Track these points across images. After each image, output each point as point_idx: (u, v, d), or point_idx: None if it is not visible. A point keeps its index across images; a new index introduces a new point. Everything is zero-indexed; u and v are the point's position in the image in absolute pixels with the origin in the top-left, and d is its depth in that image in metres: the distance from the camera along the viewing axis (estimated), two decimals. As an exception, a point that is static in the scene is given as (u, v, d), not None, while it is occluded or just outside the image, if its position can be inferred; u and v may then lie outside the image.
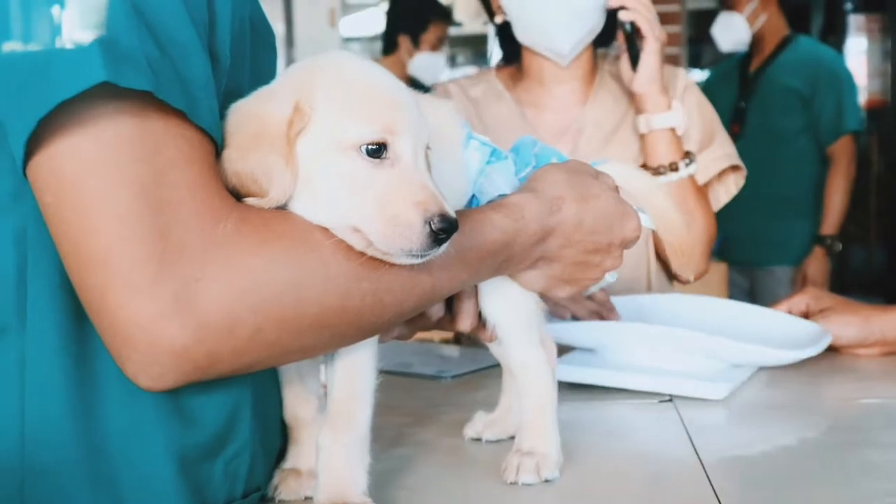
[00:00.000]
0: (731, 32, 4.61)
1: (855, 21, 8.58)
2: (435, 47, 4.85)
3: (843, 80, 4.54)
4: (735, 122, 4.51)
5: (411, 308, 1.08)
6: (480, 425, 1.40)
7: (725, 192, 2.22)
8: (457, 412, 1.51)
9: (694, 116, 2.16)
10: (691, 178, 2.06)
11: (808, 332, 1.71)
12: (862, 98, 8.34)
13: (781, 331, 1.71)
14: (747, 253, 4.64)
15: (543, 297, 1.29)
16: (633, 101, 2.10)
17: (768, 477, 1.24)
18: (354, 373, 1.12)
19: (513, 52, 2.23)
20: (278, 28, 7.11)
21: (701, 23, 5.49)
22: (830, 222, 4.44)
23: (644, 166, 2.06)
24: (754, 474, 1.26)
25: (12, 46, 0.86)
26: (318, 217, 0.99)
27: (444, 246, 0.99)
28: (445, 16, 5.12)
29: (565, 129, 2.18)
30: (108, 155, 0.88)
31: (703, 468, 1.26)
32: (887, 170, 8.10)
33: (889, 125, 8.11)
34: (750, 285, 4.67)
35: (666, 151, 2.05)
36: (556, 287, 1.26)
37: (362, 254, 0.99)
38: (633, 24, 2.04)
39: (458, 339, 2.00)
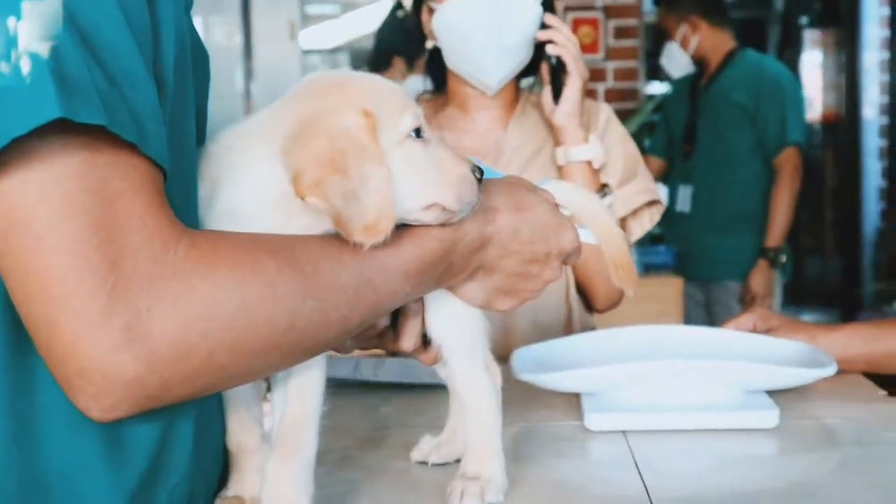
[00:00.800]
0: (673, 60, 4.79)
1: (811, 35, 8.80)
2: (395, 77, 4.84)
3: (786, 92, 4.58)
4: (686, 141, 4.57)
5: (357, 323, 1.09)
6: (427, 448, 1.40)
7: (640, 228, 2.24)
8: (403, 434, 1.51)
9: (616, 150, 2.20)
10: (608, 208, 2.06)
11: (801, 352, 1.71)
12: (817, 112, 8.63)
13: (780, 354, 1.71)
14: (702, 268, 4.69)
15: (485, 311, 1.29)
16: (553, 132, 2.14)
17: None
18: (304, 398, 1.13)
19: (440, 75, 2.27)
20: (237, 40, 7.10)
21: (658, 36, 5.53)
22: (774, 235, 4.48)
23: None
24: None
25: None
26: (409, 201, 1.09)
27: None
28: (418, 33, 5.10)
29: (485, 153, 2.20)
30: (57, 188, 0.87)
31: (649, 497, 1.26)
32: (841, 183, 8.27)
33: (843, 139, 8.24)
34: (705, 299, 4.70)
35: (582, 183, 2.08)
36: (497, 299, 1.26)
37: (304, 273, 1.02)
38: (558, 58, 2.09)
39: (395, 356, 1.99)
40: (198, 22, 7.57)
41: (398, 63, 4.87)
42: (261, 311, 0.97)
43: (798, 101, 4.63)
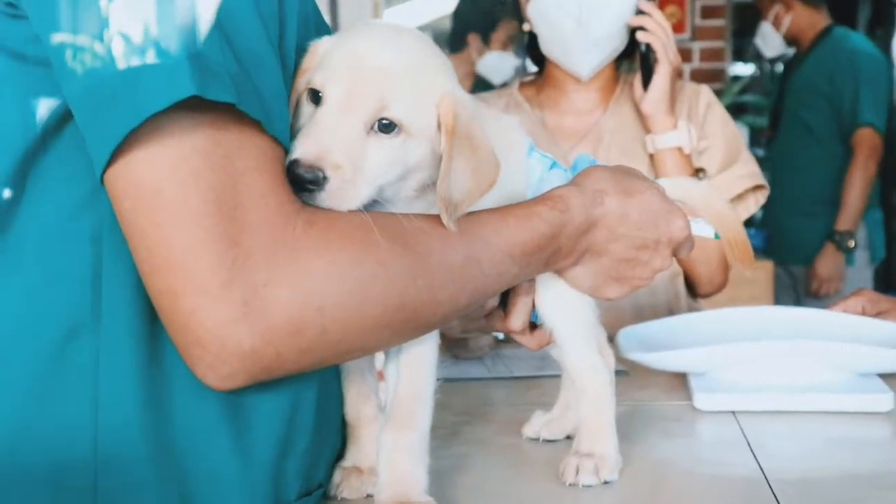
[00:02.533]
0: (767, 40, 4.70)
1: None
2: (505, 46, 4.85)
3: (861, 70, 4.47)
4: (771, 126, 4.53)
5: (465, 303, 1.10)
6: (538, 424, 1.41)
7: (745, 211, 2.25)
8: (510, 411, 1.53)
9: (717, 134, 2.21)
10: None
11: None
12: None
13: (892, 337, 1.68)
14: (785, 251, 4.66)
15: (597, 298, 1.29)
16: (642, 119, 2.16)
17: (832, 490, 1.23)
18: (417, 372, 1.15)
19: (540, 57, 2.29)
20: (324, 19, 7.11)
21: (745, 16, 5.47)
22: (844, 218, 4.40)
23: None
24: (818, 488, 1.24)
25: (101, 53, 0.88)
26: None
27: (318, 197, 1.00)
28: (516, 15, 5.07)
29: (584, 133, 2.23)
30: (185, 164, 0.90)
31: (765, 478, 1.26)
32: None
33: None
34: (792, 282, 4.65)
35: (672, 170, 2.11)
36: (606, 286, 1.26)
37: (415, 252, 1.04)
38: (648, 45, 2.09)
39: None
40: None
41: (474, 40, 4.92)
42: (373, 289, 0.99)
43: (875, 80, 4.49)
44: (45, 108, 0.93)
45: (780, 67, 5.88)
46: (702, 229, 1.35)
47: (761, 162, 4.51)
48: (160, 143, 0.89)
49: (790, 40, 4.65)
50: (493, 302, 1.27)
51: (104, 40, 0.87)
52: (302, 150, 0.99)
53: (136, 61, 0.87)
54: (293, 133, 1.04)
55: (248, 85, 0.92)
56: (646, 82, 2.12)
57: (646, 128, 2.15)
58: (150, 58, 0.87)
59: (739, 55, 7.23)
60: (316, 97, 1.04)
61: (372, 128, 1.04)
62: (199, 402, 0.99)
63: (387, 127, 1.04)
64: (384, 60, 1.06)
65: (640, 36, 2.10)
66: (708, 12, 6.29)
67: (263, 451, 1.04)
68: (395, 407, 1.13)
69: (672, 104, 2.13)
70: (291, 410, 1.06)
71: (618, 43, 2.15)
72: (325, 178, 0.99)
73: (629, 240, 1.23)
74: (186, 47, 0.87)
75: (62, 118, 0.93)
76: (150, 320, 0.97)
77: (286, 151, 0.99)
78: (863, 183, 4.38)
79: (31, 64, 0.92)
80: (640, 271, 1.26)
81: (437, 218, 1.07)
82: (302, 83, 1.06)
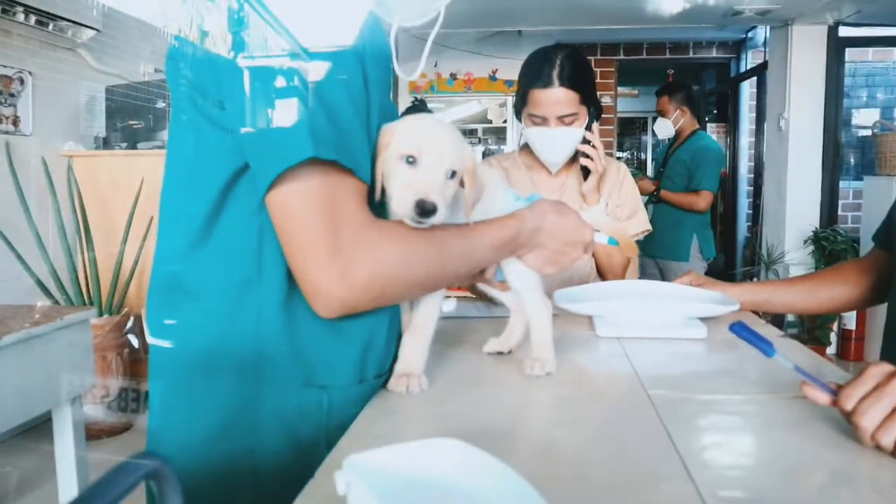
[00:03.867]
0: (663, 130, 4.69)
1: (710, 127, 8.71)
2: None
3: (710, 158, 4.47)
4: (655, 189, 4.58)
5: (464, 273, 1.12)
6: (494, 344, 1.40)
7: (638, 244, 2.19)
8: (470, 337, 1.49)
9: (629, 196, 2.16)
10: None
11: (717, 297, 1.68)
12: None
13: (706, 297, 1.68)
14: (656, 250, 4.61)
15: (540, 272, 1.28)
16: (582, 195, 2.11)
17: (675, 379, 1.22)
18: (429, 308, 1.16)
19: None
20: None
21: (624, 126, 5.48)
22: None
23: None
24: (666, 378, 1.24)
25: (262, 133, 0.91)
26: (388, 195, 1.04)
27: (432, 220, 1.00)
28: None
29: (555, 188, 2.18)
30: (309, 195, 0.92)
31: (636, 374, 1.26)
32: (726, 210, 8.25)
33: (729, 185, 8.17)
34: (659, 271, 4.65)
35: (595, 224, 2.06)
36: (546, 266, 1.25)
37: (438, 245, 1.04)
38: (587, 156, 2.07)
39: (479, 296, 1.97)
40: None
41: None
42: (413, 266, 1.01)
43: (715, 163, 4.50)
44: (237, 158, 0.96)
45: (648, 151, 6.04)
46: (601, 238, 1.35)
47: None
48: (295, 182, 0.92)
49: (676, 133, 4.70)
50: (492, 273, 1.26)
51: (264, 125, 0.90)
52: (423, 192, 1.00)
53: (280, 136, 0.90)
54: (395, 186, 1.03)
55: (343, 145, 0.93)
56: (585, 177, 2.06)
57: (584, 200, 2.09)
58: (289, 134, 0.90)
59: (620, 147, 7.24)
60: (409, 160, 1.03)
61: (447, 177, 1.05)
62: (316, 322, 1.01)
63: (452, 174, 1.06)
64: (446, 136, 1.07)
65: (582, 161, 2.05)
66: (605, 122, 6.30)
67: (353, 348, 1.06)
68: (415, 322, 1.16)
69: (599, 187, 2.08)
70: (371, 326, 1.07)
71: (572, 151, 2.08)
72: (436, 208, 1.01)
73: (560, 240, 1.23)
74: (309, 127, 0.90)
75: (245, 165, 0.96)
76: (289, 280, 0.99)
77: (369, 187, 1.00)
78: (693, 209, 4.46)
79: (229, 132, 0.94)
80: (564, 260, 1.25)
81: (452, 226, 1.08)
82: (390, 152, 1.03)
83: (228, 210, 0.98)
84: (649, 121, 12.16)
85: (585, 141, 2.05)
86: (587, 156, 2.04)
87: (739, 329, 1.03)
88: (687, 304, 1.58)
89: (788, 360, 1.03)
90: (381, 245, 0.97)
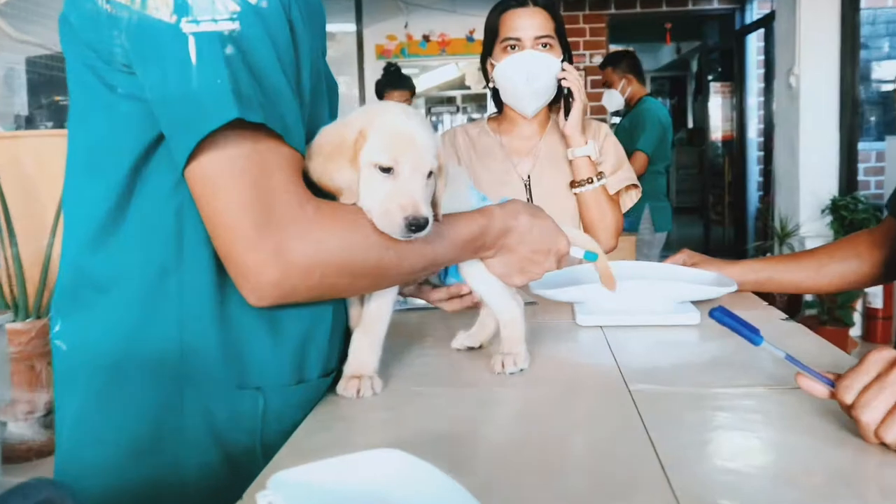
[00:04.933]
0: (612, 102, 4.94)
1: (714, 86, 8.78)
2: None
3: (648, 120, 4.70)
4: None
5: (421, 269, 1.10)
6: (462, 338, 1.40)
7: (629, 200, 2.27)
8: (438, 332, 1.48)
9: (611, 152, 2.23)
10: (603, 188, 2.15)
11: (713, 278, 1.68)
12: (718, 134, 8.86)
13: (699, 278, 1.68)
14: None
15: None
16: (564, 139, 2.17)
17: (660, 372, 1.22)
18: (381, 304, 1.16)
19: (499, 103, 2.29)
20: (354, 91, 7.10)
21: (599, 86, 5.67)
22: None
23: (572, 181, 2.16)
24: (652, 372, 1.23)
25: (178, 96, 0.89)
26: (360, 204, 1.04)
27: (423, 233, 1.01)
28: (405, 86, 4.95)
29: (528, 151, 2.24)
30: (234, 163, 0.91)
31: (618, 366, 1.26)
32: (735, 178, 8.28)
33: (736, 151, 8.30)
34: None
35: (584, 170, 2.13)
36: (513, 274, 1.24)
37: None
38: (568, 88, 2.12)
39: None
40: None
41: (396, 95, 4.82)
42: (358, 252, 1.00)
43: (653, 127, 4.71)
44: (150, 129, 0.95)
45: (615, 119, 6.37)
46: (576, 252, 1.34)
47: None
48: (218, 150, 0.90)
49: (626, 102, 4.92)
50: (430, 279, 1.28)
51: (179, 87, 0.88)
52: (412, 208, 1.00)
53: (199, 98, 0.88)
54: (369, 197, 1.03)
55: (271, 109, 0.92)
56: (566, 113, 2.13)
57: (566, 144, 2.15)
58: (208, 95, 0.88)
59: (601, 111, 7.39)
60: (384, 169, 1.03)
61: (426, 180, 1.05)
62: (248, 313, 1.00)
63: (429, 175, 1.06)
64: (423, 138, 1.06)
65: (563, 83, 2.11)
66: (594, 84, 6.39)
67: (290, 343, 1.05)
68: (364, 320, 1.15)
69: (583, 128, 2.14)
70: (312, 318, 1.07)
71: (551, 92, 2.15)
72: (427, 221, 1.01)
73: (531, 245, 1.22)
74: (231, 87, 0.88)
75: (159, 137, 0.95)
76: (216, 264, 0.98)
77: (302, 157, 0.99)
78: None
79: (138, 101, 0.93)
80: (535, 268, 1.24)
81: None
82: (365, 158, 1.03)
83: (141, 191, 0.97)
84: (648, 82, 12.21)
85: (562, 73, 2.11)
86: (566, 82, 2.10)
87: (720, 315, 1.02)
88: (678, 287, 1.58)
89: (779, 348, 1.02)
90: (322, 225, 0.96)
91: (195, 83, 0.88)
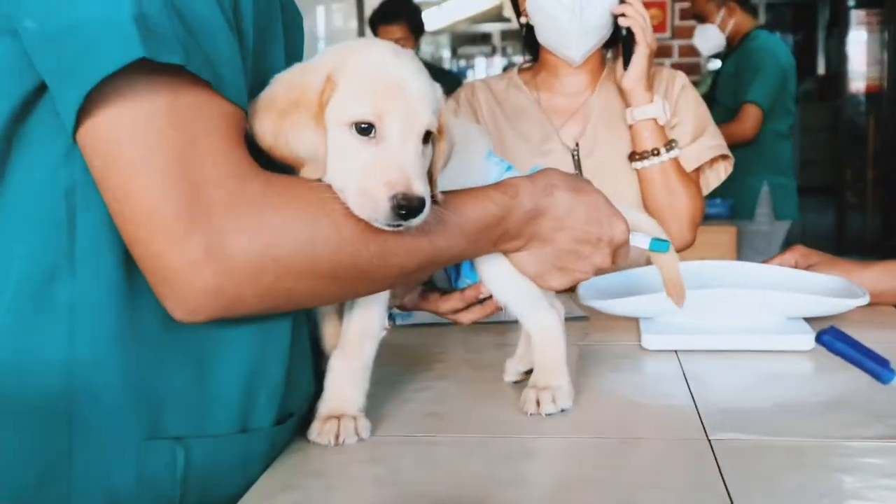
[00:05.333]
0: (708, 40, 4.86)
1: (856, 16, 8.64)
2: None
3: (762, 61, 4.58)
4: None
5: (414, 269, 1.10)
6: (514, 367, 1.39)
7: (716, 178, 2.29)
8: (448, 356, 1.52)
9: (689, 111, 2.23)
10: (674, 161, 2.14)
11: (836, 285, 1.68)
12: (861, 84, 8.52)
13: (817, 286, 1.68)
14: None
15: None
16: (622, 95, 2.17)
17: (753, 418, 1.22)
18: (367, 317, 1.16)
19: (534, 46, 2.29)
20: (352, 24, 7.18)
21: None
22: None
23: (633, 152, 2.15)
24: (742, 417, 1.23)
25: (59, 25, 0.88)
26: (329, 180, 1.03)
27: (417, 220, 0.99)
28: (401, 18, 4.90)
29: (575, 111, 2.26)
30: (147, 123, 0.90)
31: (695, 406, 1.26)
32: (883, 146, 8.13)
33: (885, 107, 8.11)
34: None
35: (649, 138, 2.14)
36: (550, 274, 1.24)
37: None
38: (629, 29, 2.12)
39: None
40: (320, 9, 7.64)
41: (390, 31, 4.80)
42: (325, 247, 0.99)
43: (770, 70, 4.59)
44: (24, 76, 0.92)
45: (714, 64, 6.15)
46: (639, 241, 1.31)
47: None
48: (122, 104, 0.89)
49: (728, 40, 4.82)
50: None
51: (60, 11, 0.87)
52: (403, 183, 0.98)
53: (89, 31, 0.86)
54: (342, 169, 1.02)
55: (196, 49, 0.91)
56: (626, 62, 2.13)
57: (626, 103, 2.16)
58: (102, 26, 0.86)
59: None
60: (362, 129, 1.01)
61: (421, 144, 1.04)
62: (170, 335, 0.99)
63: (426, 138, 1.05)
64: (418, 84, 1.05)
65: (622, 21, 2.11)
66: (686, 14, 6.36)
67: (233, 382, 1.04)
68: (345, 339, 1.16)
69: (649, 82, 2.14)
70: (262, 345, 1.06)
71: (605, 30, 2.16)
72: (424, 202, 0.99)
73: (574, 232, 1.21)
74: (134, 15, 0.86)
75: (41, 86, 0.92)
76: (125, 264, 0.97)
77: (243, 114, 0.98)
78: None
79: (9, 35, 0.91)
80: (581, 265, 1.23)
81: None
82: (331, 113, 1.02)
83: (17, 165, 0.95)
84: (762, 11, 12.08)
85: (621, 3, 2.11)
86: (624, 18, 2.09)
87: (832, 340, 1.02)
88: (785, 298, 1.57)
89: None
90: (274, 209, 0.96)
91: (81, 5, 0.86)
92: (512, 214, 1.16)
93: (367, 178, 0.99)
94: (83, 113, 0.88)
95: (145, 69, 0.87)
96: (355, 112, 1.01)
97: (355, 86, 1.02)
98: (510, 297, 1.27)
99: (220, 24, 0.94)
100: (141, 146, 0.90)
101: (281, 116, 1.01)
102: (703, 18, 4.84)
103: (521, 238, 1.20)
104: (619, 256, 1.26)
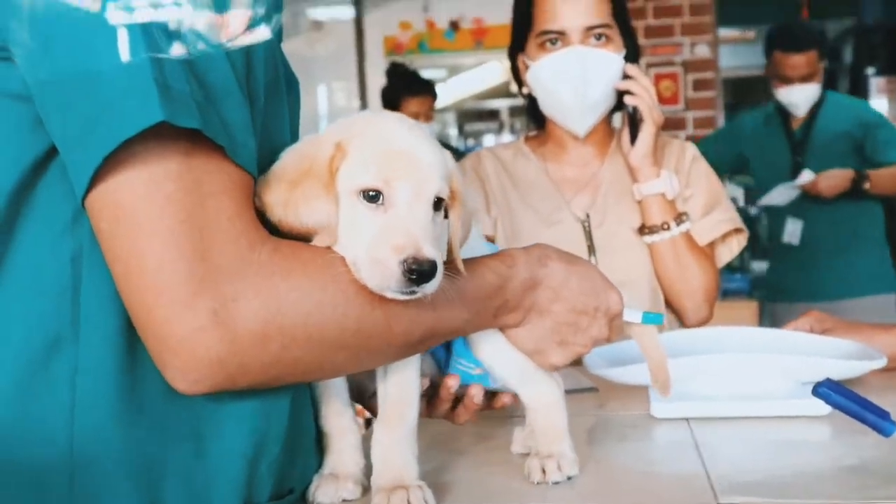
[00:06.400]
0: (808, 99, 4.43)
1: (876, 83, 8.65)
2: (418, 119, 4.80)
3: (881, 119, 4.47)
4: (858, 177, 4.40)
5: (418, 338, 1.10)
6: (521, 439, 1.39)
7: (728, 252, 2.29)
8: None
9: (701, 184, 2.25)
10: (685, 235, 2.16)
11: (852, 349, 1.68)
12: None
13: (832, 350, 1.68)
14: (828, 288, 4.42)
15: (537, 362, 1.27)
16: (629, 170, 2.19)
17: (771, 488, 1.22)
18: (404, 382, 1.17)
19: (539, 116, 2.32)
20: (354, 103, 7.25)
21: (736, 90, 5.48)
22: None
23: (642, 226, 2.17)
24: (758, 487, 1.23)
25: (78, 88, 0.89)
26: (341, 251, 1.04)
27: (429, 287, 1.00)
28: (426, 91, 5.03)
29: (585, 182, 2.28)
30: (158, 186, 0.91)
31: (708, 477, 1.26)
32: None
33: None
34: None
35: (658, 213, 2.16)
36: (550, 350, 1.24)
37: None
38: (635, 107, 2.14)
39: None
40: (322, 88, 7.71)
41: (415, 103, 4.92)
42: (332, 313, 1.00)
43: (892, 127, 4.46)
44: (34, 142, 0.94)
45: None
46: (631, 315, 1.32)
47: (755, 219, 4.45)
48: (135, 167, 0.90)
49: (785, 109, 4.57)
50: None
51: (80, 76, 0.88)
52: (413, 247, 0.98)
53: (109, 93, 0.88)
54: (351, 237, 1.03)
55: (213, 114, 0.92)
56: (633, 137, 2.15)
57: (633, 178, 2.18)
58: (122, 89, 0.88)
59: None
60: (370, 196, 1.02)
61: (432, 210, 1.06)
62: (171, 408, 1.00)
63: (437, 204, 1.06)
64: (426, 151, 1.07)
65: (627, 99, 2.14)
66: (699, 85, 6.36)
67: (234, 457, 1.04)
68: (386, 408, 1.16)
69: (657, 155, 2.17)
70: (263, 419, 1.06)
71: (609, 104, 2.20)
72: (435, 266, 0.99)
73: (570, 303, 1.23)
74: (155, 78, 0.88)
75: (49, 152, 0.94)
76: (127, 333, 0.98)
77: (252, 179, 1.00)
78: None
79: (23, 101, 0.93)
80: (580, 337, 1.25)
81: None
82: (344, 182, 1.04)
83: (23, 230, 0.97)
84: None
85: (625, 79, 2.13)
86: (630, 95, 2.11)
87: (826, 392, 1.03)
88: (800, 363, 1.58)
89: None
90: (282, 275, 0.97)
91: (103, 70, 0.87)
92: (510, 283, 1.18)
93: (376, 245, 1.00)
94: (95, 174, 0.89)
95: (160, 131, 0.88)
96: (363, 180, 1.02)
97: (363, 153, 1.04)
98: (508, 372, 1.27)
99: (234, 89, 0.96)
100: (150, 209, 0.90)
101: (291, 187, 1.03)
102: (809, 78, 4.38)
103: (520, 310, 1.21)
104: (614, 329, 1.28)
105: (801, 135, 4.52)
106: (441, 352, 1.28)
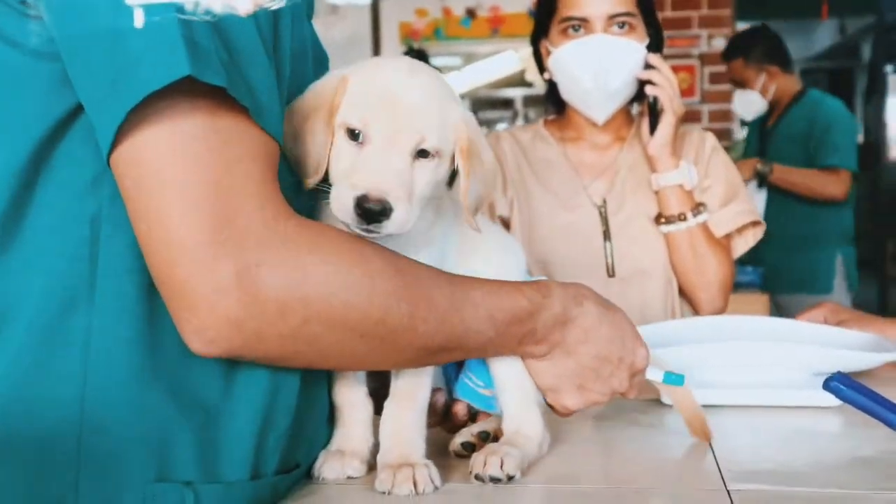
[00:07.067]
0: (749, 105, 4.87)
1: (894, 80, 8.67)
2: None
3: (836, 122, 4.57)
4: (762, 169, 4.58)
5: (439, 345, 1.10)
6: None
7: (744, 244, 2.31)
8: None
9: (720, 175, 2.27)
10: (702, 226, 2.18)
11: (867, 340, 1.69)
12: None
13: (845, 341, 1.70)
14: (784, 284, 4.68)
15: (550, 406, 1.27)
16: (648, 160, 2.21)
17: (778, 477, 1.23)
18: (415, 372, 1.17)
19: (559, 101, 2.34)
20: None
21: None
22: None
23: (659, 215, 2.19)
24: (767, 476, 1.24)
25: (104, 42, 0.89)
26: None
27: (386, 227, 1.04)
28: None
29: (604, 167, 2.30)
30: (185, 145, 0.91)
31: (717, 465, 1.27)
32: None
33: None
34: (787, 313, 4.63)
35: (675, 204, 2.18)
36: (567, 391, 1.24)
37: (404, 277, 1.05)
38: (655, 97, 2.16)
39: None
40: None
41: None
42: (358, 297, 1.00)
43: (846, 130, 4.60)
44: (57, 102, 0.95)
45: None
46: (653, 373, 1.31)
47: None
48: (160, 125, 0.91)
49: (771, 105, 4.82)
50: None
51: (107, 31, 0.89)
52: (367, 185, 1.02)
53: (136, 48, 0.88)
54: (334, 171, 1.08)
55: (238, 75, 0.93)
56: (652, 127, 2.17)
57: (651, 168, 2.20)
58: (149, 44, 0.88)
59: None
60: (351, 134, 1.07)
61: (414, 157, 1.08)
62: (183, 375, 1.00)
63: (424, 153, 1.08)
64: (415, 97, 1.09)
65: (648, 90, 2.16)
66: (715, 78, 6.36)
67: (242, 428, 1.04)
68: (398, 386, 1.17)
69: (677, 144, 2.19)
70: (273, 392, 1.06)
71: (630, 92, 2.22)
72: (391, 209, 1.02)
73: (597, 348, 1.22)
74: (183, 34, 0.88)
75: (72, 113, 0.95)
76: (144, 298, 0.98)
77: (279, 146, 1.00)
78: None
79: (47, 60, 0.93)
80: (599, 385, 1.24)
81: (430, 267, 1.10)
82: (339, 117, 1.08)
83: (42, 190, 0.97)
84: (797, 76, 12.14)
85: (647, 69, 2.16)
86: (651, 85, 2.14)
87: (837, 386, 1.03)
88: (812, 353, 1.59)
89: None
90: (309, 250, 0.97)
91: (131, 26, 0.88)
92: (542, 313, 1.17)
93: (340, 179, 1.06)
94: (120, 133, 0.90)
95: (186, 89, 0.89)
96: (345, 117, 1.08)
97: (355, 92, 1.09)
98: (515, 403, 1.25)
99: (260, 53, 0.97)
100: (177, 168, 0.91)
101: (304, 118, 1.08)
102: (741, 84, 4.85)
103: (546, 343, 1.20)
104: (633, 386, 1.27)
105: (770, 130, 4.79)
106: (452, 368, 1.29)
